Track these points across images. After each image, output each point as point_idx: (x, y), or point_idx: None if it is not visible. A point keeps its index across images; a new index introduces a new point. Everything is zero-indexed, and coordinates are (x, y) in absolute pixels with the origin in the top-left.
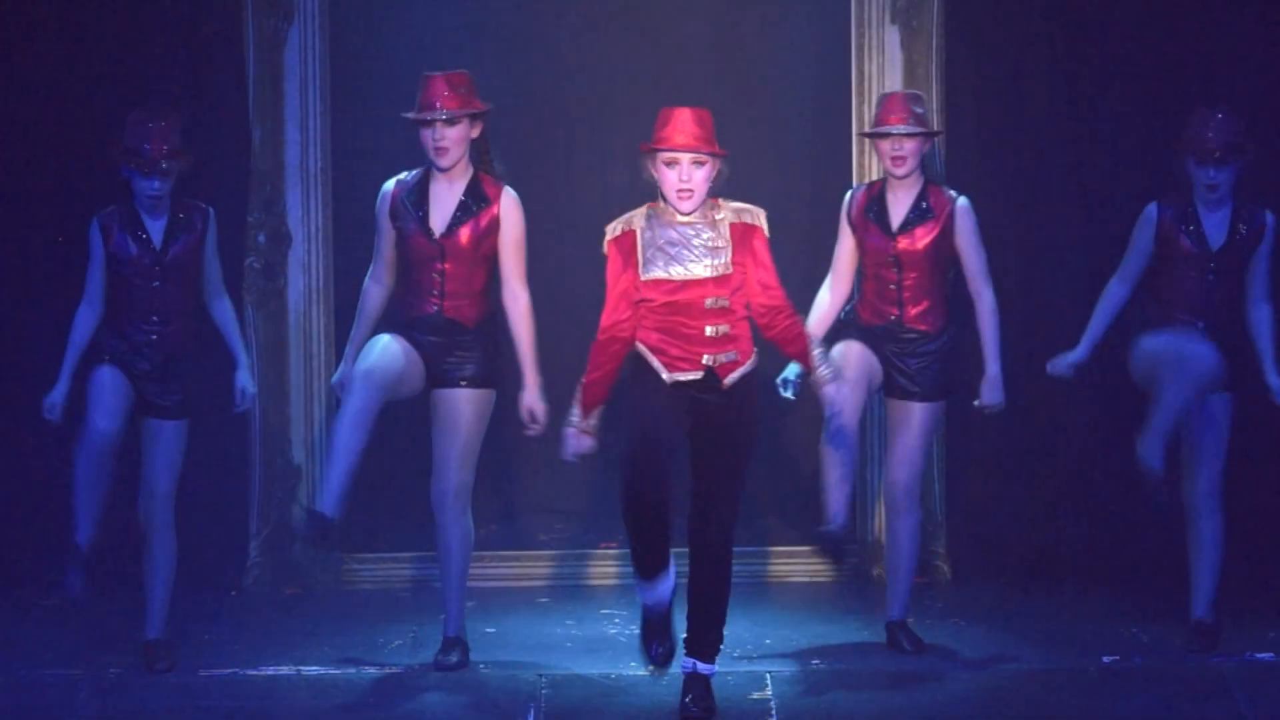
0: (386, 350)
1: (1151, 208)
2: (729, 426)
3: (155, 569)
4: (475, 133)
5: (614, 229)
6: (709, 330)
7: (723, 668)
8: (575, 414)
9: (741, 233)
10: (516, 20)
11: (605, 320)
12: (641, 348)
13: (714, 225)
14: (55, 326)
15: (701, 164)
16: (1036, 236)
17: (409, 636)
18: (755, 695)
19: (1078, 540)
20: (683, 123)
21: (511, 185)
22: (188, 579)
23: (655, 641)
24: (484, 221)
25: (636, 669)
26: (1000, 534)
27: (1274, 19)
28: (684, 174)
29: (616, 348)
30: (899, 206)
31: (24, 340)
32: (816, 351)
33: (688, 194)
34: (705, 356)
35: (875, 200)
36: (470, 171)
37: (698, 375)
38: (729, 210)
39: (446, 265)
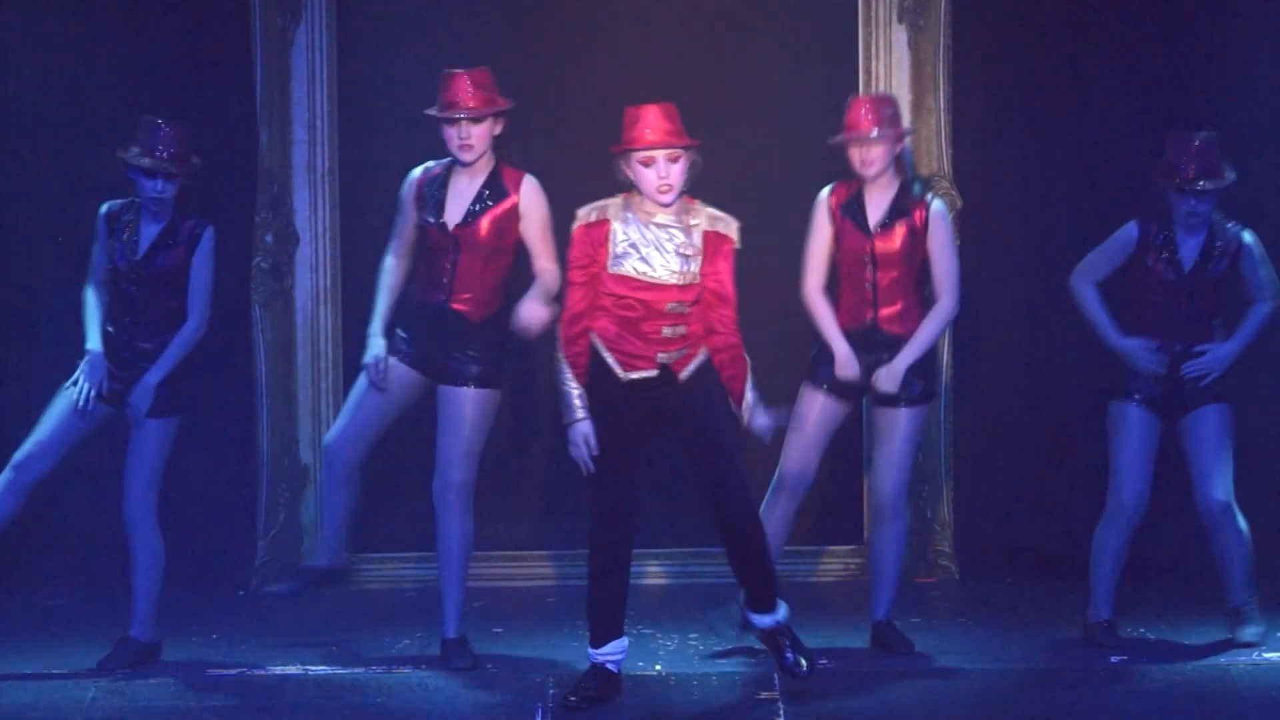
0: (352, 412)
1: (1132, 227)
2: (699, 411)
3: (134, 567)
4: (497, 129)
5: (588, 214)
6: (666, 331)
7: (731, 668)
8: (578, 410)
9: (714, 243)
10: (522, 20)
11: (570, 309)
12: (597, 341)
13: (688, 230)
14: (58, 327)
15: (676, 159)
16: (1044, 237)
17: (417, 636)
18: (763, 695)
19: (1085, 540)
20: (653, 119)
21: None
22: (195, 578)
23: (585, 681)
24: (503, 212)
25: (644, 669)
26: (1007, 534)
27: None
28: (661, 170)
29: (583, 340)
30: (876, 206)
31: (25, 340)
32: (749, 395)
33: (668, 189)
34: (660, 355)
35: (854, 198)
36: (492, 164)
37: (653, 374)
38: (704, 216)
39: (459, 257)
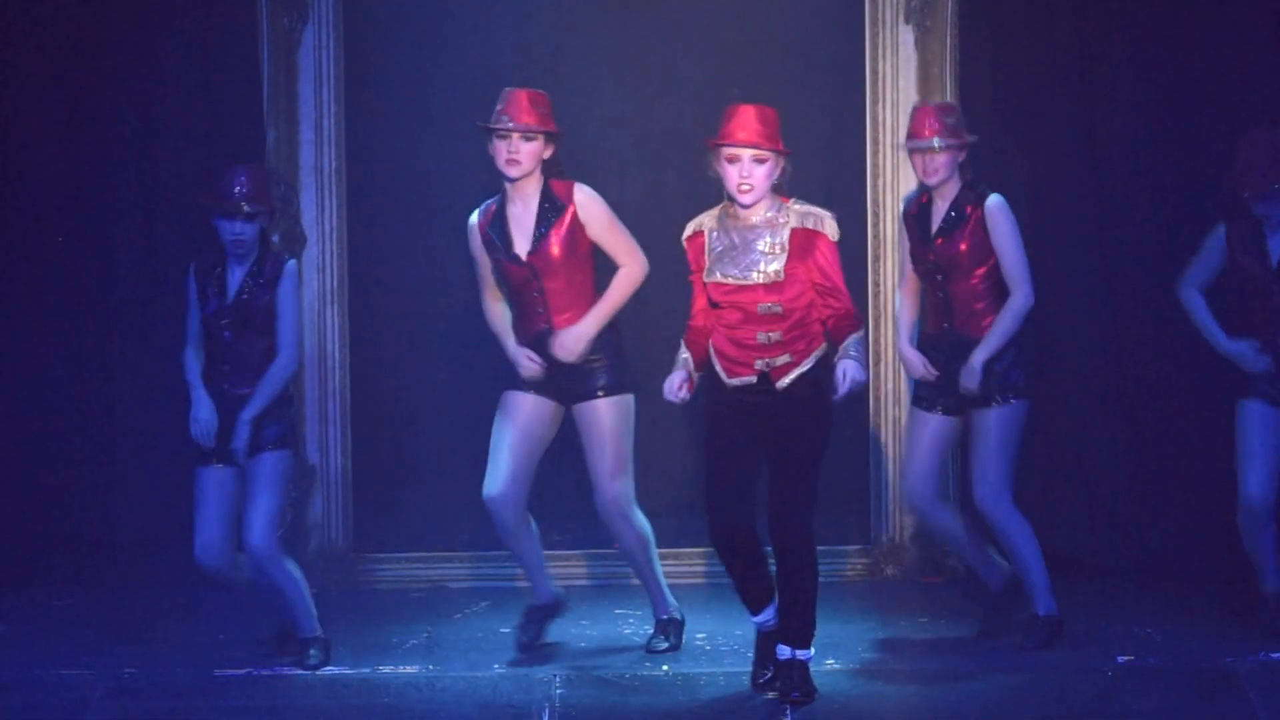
0: (507, 457)
1: (1220, 229)
2: (789, 429)
3: (281, 596)
4: (547, 154)
5: (688, 229)
6: (761, 337)
7: (736, 667)
8: (685, 358)
9: (802, 239)
10: (527, 20)
11: (693, 313)
12: (711, 348)
13: (777, 229)
14: (61, 327)
15: (763, 161)
16: (1051, 238)
17: (423, 637)
18: (771, 694)
19: (1091, 540)
20: (745, 119)
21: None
22: (202, 578)
23: (758, 666)
24: (566, 225)
25: (651, 669)
26: None
27: None
28: (745, 170)
29: (700, 337)
30: (939, 213)
31: (32, 342)
32: (853, 338)
33: (748, 189)
34: (758, 361)
35: (923, 207)
36: (540, 183)
37: (752, 380)
38: (794, 214)
39: (544, 283)
